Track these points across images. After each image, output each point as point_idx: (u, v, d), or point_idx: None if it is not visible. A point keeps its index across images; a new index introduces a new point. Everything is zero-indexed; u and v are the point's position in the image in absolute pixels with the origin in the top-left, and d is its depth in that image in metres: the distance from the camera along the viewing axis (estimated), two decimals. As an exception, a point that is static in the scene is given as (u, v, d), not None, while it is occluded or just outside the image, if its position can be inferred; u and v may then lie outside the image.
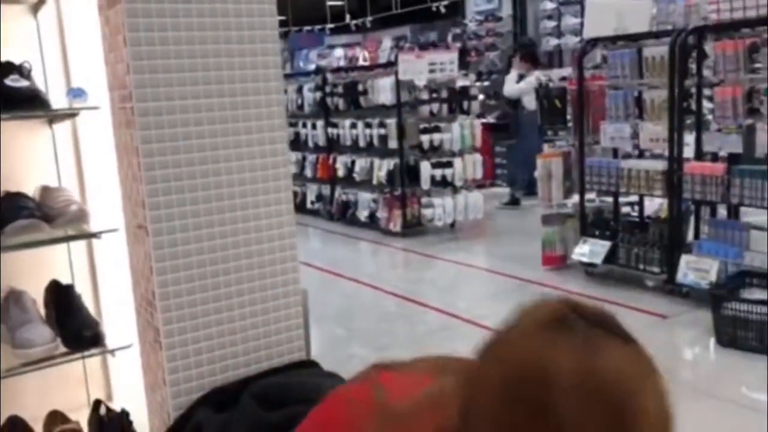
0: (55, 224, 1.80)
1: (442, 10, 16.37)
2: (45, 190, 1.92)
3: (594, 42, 5.15)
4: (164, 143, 1.67)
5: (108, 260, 1.99)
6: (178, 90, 1.66)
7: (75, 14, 1.92)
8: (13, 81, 1.75)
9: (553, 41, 9.66)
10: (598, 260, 5.02)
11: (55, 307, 1.94)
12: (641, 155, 5.04)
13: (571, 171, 5.35)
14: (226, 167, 1.75)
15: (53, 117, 2.01)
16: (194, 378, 1.72)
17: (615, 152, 5.11)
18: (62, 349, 1.86)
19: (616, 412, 0.68)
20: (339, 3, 21.30)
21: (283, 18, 21.36)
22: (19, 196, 1.82)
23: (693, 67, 4.57)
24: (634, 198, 5.31)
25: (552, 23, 9.67)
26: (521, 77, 7.52)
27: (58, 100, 1.91)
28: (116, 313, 1.99)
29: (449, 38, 10.98)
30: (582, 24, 9.24)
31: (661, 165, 4.67)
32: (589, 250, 5.11)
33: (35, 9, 1.98)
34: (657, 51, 4.64)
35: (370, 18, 20.15)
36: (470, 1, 10.36)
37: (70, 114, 1.83)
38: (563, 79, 6.73)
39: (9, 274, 1.98)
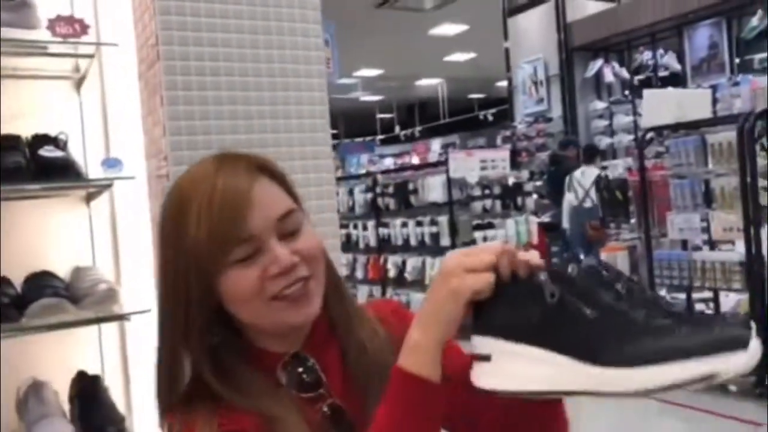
0: (82, 305, 1.63)
1: (490, 118, 16.63)
2: (76, 270, 1.77)
3: (654, 131, 4.97)
4: (201, 210, 1.52)
5: (141, 346, 1.80)
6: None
7: (117, 89, 1.83)
8: (47, 151, 1.64)
9: (606, 140, 9.52)
10: (674, 361, 4.58)
11: (79, 401, 1.74)
12: (712, 246, 4.72)
13: (638, 265, 5.03)
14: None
15: (90, 194, 1.90)
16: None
17: (684, 244, 4.80)
18: (83, 448, 1.64)
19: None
20: (389, 116, 21.96)
21: (334, 131, 22.11)
22: (45, 275, 1.67)
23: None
24: (708, 294, 4.95)
25: (604, 122, 9.58)
26: None
27: (97, 173, 1.79)
28: (148, 404, 1.77)
29: (498, 141, 10.99)
30: (635, 122, 9.15)
31: (737, 256, 4.34)
32: (664, 351, 4.69)
33: (78, 84, 1.91)
34: (723, 137, 4.42)
35: (419, 128, 20.63)
36: (519, 103, 10.42)
37: (106, 185, 1.71)
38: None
39: (35, 363, 1.81)
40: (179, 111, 1.48)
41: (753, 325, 0.69)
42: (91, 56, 1.73)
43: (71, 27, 1.63)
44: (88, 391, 1.76)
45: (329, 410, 0.92)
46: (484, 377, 0.78)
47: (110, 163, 1.67)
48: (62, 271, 1.81)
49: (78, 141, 1.85)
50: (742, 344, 0.66)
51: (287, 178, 0.93)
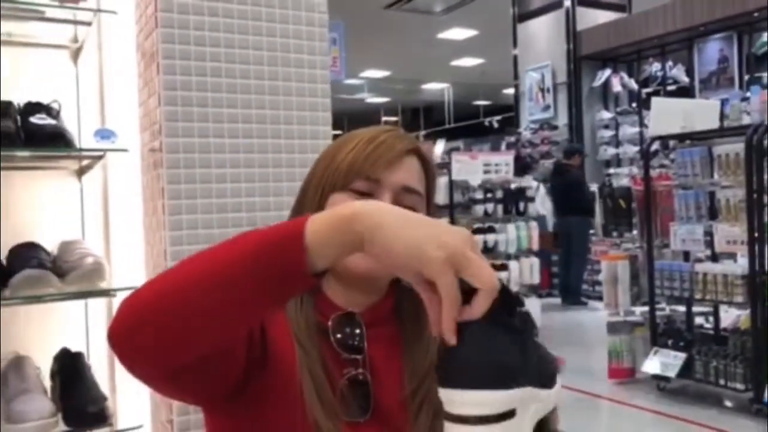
0: (67, 279, 1.58)
1: (495, 124, 16.59)
2: (63, 243, 1.72)
3: (660, 140, 4.91)
4: (194, 184, 1.47)
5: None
6: (214, 127, 1.48)
7: (115, 60, 1.79)
8: (38, 119, 1.60)
9: (611, 150, 9.47)
10: (671, 374, 4.53)
11: (60, 378, 1.69)
12: (715, 259, 4.66)
13: (638, 275, 4.97)
14: (262, 217, 1.52)
15: (82, 168, 1.85)
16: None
17: (686, 255, 4.74)
18: (62, 426, 1.59)
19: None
20: (394, 118, 21.95)
21: (339, 132, 22.15)
22: (31, 246, 1.62)
23: None
24: (706, 308, 4.90)
25: (609, 132, 9.53)
26: None
27: (90, 144, 1.74)
28: (130, 388, 1.72)
29: (503, 147, 10.93)
30: (641, 133, 9.10)
31: (740, 269, 4.28)
32: (661, 363, 4.63)
33: (75, 55, 1.86)
34: (730, 149, 4.37)
35: (423, 132, 20.62)
36: (525, 109, 10.37)
37: (98, 156, 1.66)
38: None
39: (18, 337, 1.76)
40: (176, 81, 1.43)
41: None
42: (88, 24, 1.68)
43: (70, -8, 1.59)
44: (70, 368, 1.70)
45: (353, 379, 0.92)
46: None
47: (103, 133, 1.62)
48: (51, 245, 1.76)
49: (73, 112, 1.80)
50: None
51: (433, 175, 1.03)
